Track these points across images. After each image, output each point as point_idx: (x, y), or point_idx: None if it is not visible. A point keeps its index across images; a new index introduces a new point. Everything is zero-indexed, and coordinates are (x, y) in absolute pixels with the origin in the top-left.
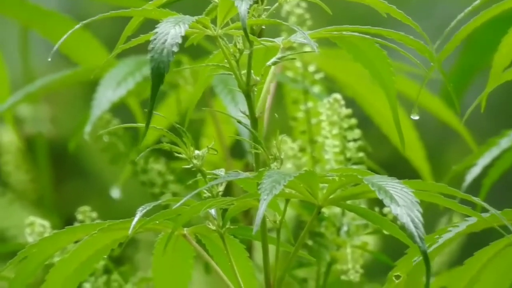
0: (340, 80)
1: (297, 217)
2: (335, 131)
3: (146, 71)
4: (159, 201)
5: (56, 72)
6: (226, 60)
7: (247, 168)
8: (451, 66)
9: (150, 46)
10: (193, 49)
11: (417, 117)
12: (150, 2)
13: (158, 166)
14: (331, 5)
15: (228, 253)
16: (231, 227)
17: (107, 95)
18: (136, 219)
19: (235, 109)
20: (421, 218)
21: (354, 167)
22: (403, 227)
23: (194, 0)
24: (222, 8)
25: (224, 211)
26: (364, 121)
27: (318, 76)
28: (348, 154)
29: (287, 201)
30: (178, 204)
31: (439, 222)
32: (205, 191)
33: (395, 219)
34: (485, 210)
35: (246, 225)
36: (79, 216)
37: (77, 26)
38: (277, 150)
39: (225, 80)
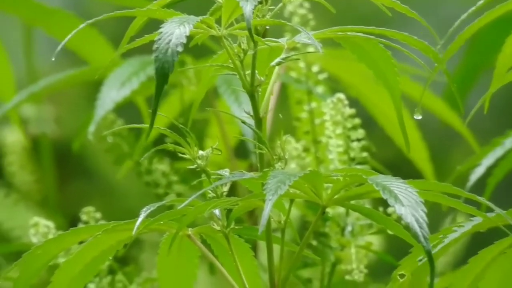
0: (344, 81)
1: (302, 217)
2: (339, 131)
3: (151, 71)
4: (164, 202)
5: (60, 72)
6: (230, 60)
7: (251, 168)
8: (455, 67)
9: (155, 46)
10: (196, 49)
11: (420, 117)
12: (154, 2)
13: (162, 166)
14: (334, 5)
15: (233, 253)
16: (236, 227)
17: (111, 95)
18: (140, 219)
19: (239, 109)
20: (425, 218)
21: (358, 167)
22: (407, 227)
23: (198, 0)
24: (227, 8)
25: (229, 211)
26: (367, 122)
27: (321, 77)
28: (352, 154)
29: (291, 201)
30: (183, 204)
31: (443, 222)
32: (210, 192)
33: (399, 219)
34: (489, 210)
35: (251, 225)
36: (84, 217)
37: (82, 25)
38: (281, 150)
39: (229, 80)
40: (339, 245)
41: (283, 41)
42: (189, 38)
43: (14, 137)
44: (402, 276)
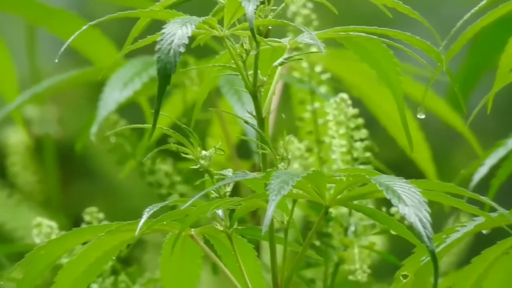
0: (346, 81)
1: (305, 217)
2: (342, 130)
3: (153, 71)
4: (167, 202)
5: (63, 72)
6: (232, 61)
7: (253, 168)
8: (458, 67)
9: (157, 46)
10: (198, 49)
11: (423, 116)
12: (157, 3)
13: (165, 167)
14: (336, 5)
15: (235, 253)
16: (239, 227)
17: (113, 95)
18: (143, 220)
19: (241, 109)
20: (429, 218)
21: (361, 167)
22: (410, 227)
23: (200, 1)
24: (229, 9)
25: (232, 211)
26: (370, 122)
27: (324, 77)
28: (355, 154)
29: (294, 201)
30: (186, 205)
31: (446, 222)
32: (213, 192)
33: (402, 219)
34: (492, 210)
35: (254, 225)
36: (87, 217)
37: (86, 26)
38: (284, 150)
39: (231, 80)
40: (342, 245)
41: (286, 41)
42: (192, 38)
43: (17, 138)
44: (405, 276)
